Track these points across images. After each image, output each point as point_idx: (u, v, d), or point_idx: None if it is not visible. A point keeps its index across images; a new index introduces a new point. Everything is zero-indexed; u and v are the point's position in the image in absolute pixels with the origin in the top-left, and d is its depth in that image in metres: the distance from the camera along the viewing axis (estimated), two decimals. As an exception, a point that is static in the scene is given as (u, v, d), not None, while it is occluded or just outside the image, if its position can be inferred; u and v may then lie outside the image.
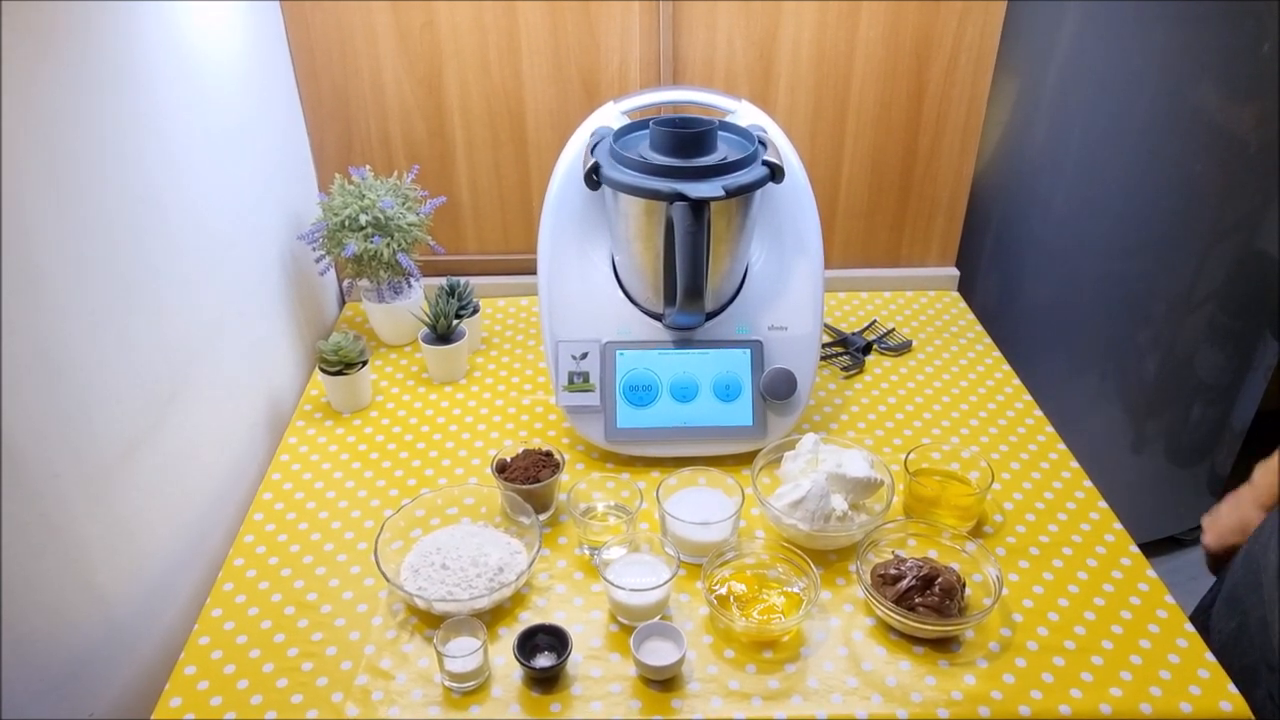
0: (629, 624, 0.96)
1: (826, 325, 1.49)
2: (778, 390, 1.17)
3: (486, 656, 0.91)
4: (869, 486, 1.07)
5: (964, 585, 0.97)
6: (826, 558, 1.05)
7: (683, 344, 1.18)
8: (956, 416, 1.30)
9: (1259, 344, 1.78)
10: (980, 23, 1.41)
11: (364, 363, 1.29)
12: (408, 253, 1.35)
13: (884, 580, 0.97)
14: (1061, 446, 1.24)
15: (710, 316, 1.18)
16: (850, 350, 1.43)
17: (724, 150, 1.10)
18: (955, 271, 1.64)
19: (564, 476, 1.13)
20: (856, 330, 1.49)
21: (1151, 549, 2.09)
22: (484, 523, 1.09)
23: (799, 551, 1.00)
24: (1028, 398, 1.34)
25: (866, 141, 1.51)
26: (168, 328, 1.01)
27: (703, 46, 1.41)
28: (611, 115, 1.20)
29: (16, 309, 0.76)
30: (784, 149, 1.16)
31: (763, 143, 1.12)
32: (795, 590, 0.99)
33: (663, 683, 0.91)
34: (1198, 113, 1.51)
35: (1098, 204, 1.60)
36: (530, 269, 1.24)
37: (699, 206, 1.02)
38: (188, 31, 1.06)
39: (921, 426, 1.28)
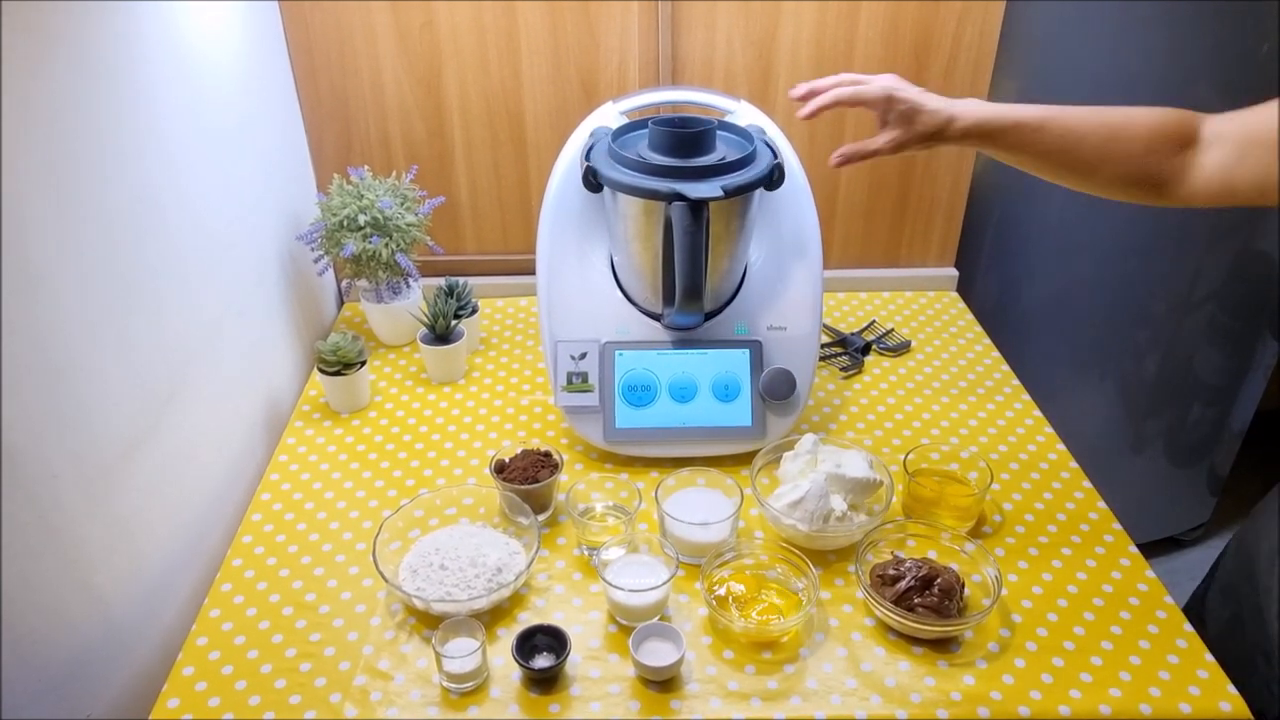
0: (628, 625, 0.96)
1: (825, 325, 1.49)
2: (777, 390, 1.16)
3: (485, 657, 0.91)
4: (868, 487, 1.07)
5: (963, 586, 0.97)
6: (825, 558, 1.05)
7: (682, 344, 1.18)
8: (955, 417, 1.30)
9: (1258, 344, 1.78)
10: (979, 23, 1.41)
11: (362, 363, 1.29)
12: (406, 253, 1.34)
13: (883, 581, 0.97)
14: (1060, 447, 1.24)
15: (709, 317, 1.18)
16: (849, 350, 1.43)
17: (723, 150, 1.10)
18: (954, 272, 1.64)
19: (563, 477, 1.13)
20: (855, 330, 1.49)
21: (1151, 549, 2.09)
22: (482, 523, 1.09)
23: (798, 552, 1.00)
24: (1026, 398, 1.34)
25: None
26: (166, 328, 1.01)
27: (702, 46, 1.41)
28: (610, 115, 1.20)
29: (15, 309, 0.75)
30: (783, 149, 1.16)
31: (768, 146, 1.12)
32: (794, 591, 0.99)
33: (662, 683, 0.91)
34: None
35: (1097, 204, 1.59)
36: (529, 269, 1.24)
37: (697, 206, 1.02)
38: (186, 31, 1.06)
39: (920, 427, 1.28)
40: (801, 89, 0.99)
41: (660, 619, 0.96)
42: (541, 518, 1.10)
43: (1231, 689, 0.90)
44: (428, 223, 1.39)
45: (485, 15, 1.37)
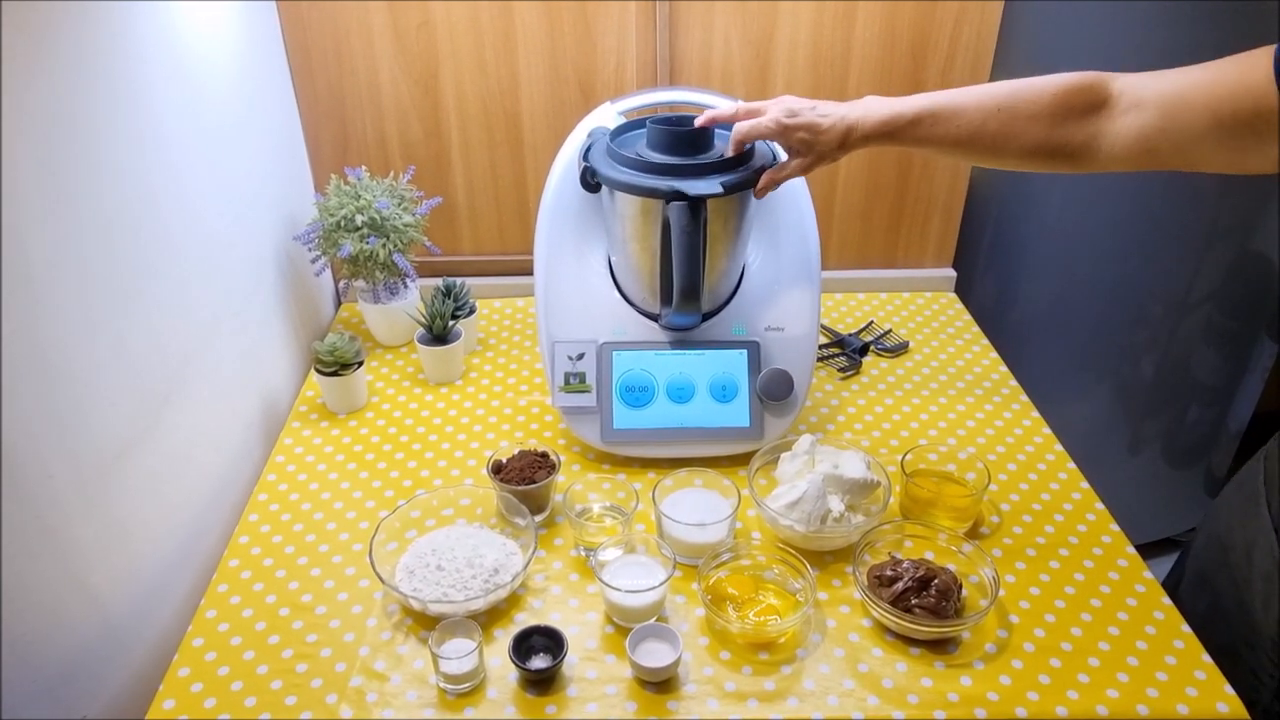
0: (625, 625, 0.96)
1: (823, 326, 1.49)
2: (774, 391, 1.16)
3: (481, 658, 0.91)
4: (865, 488, 1.06)
5: (960, 586, 0.97)
6: (823, 559, 1.05)
7: (679, 345, 1.18)
8: (953, 418, 1.30)
9: (1256, 345, 1.79)
10: (977, 23, 1.41)
11: (359, 364, 1.29)
12: (404, 253, 1.34)
13: (880, 581, 0.97)
14: (1058, 447, 1.23)
15: (707, 317, 1.18)
16: (847, 351, 1.43)
17: (720, 148, 1.10)
18: (952, 272, 1.64)
19: (560, 477, 1.13)
20: (853, 331, 1.49)
21: (1149, 550, 2.08)
22: (479, 524, 1.09)
23: (795, 553, 1.00)
24: (1024, 399, 1.34)
25: (863, 142, 1.50)
26: (163, 328, 1.00)
27: (699, 47, 1.41)
28: (608, 116, 1.20)
29: (10, 309, 0.75)
30: (780, 150, 1.15)
31: (766, 147, 1.12)
32: (792, 591, 0.99)
33: (658, 684, 0.91)
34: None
35: (1094, 205, 1.60)
36: (527, 269, 1.24)
37: (695, 206, 1.02)
38: (183, 31, 1.06)
39: (918, 428, 1.28)
40: (703, 119, 1.05)
41: (657, 620, 0.96)
42: (538, 518, 1.10)
43: (1229, 689, 0.90)
44: (425, 223, 1.39)
45: (482, 15, 1.37)
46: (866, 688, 0.90)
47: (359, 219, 1.30)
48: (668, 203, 1.03)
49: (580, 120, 1.21)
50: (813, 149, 0.98)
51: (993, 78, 1.46)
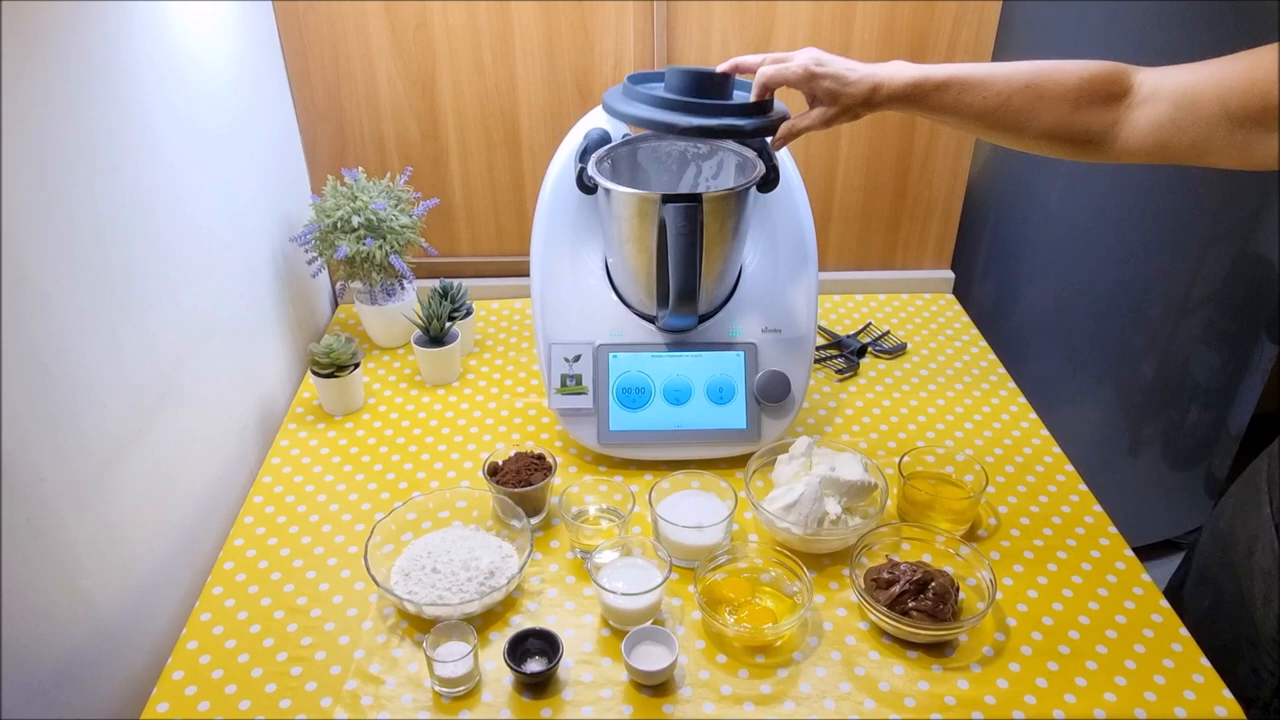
0: (621, 628, 0.95)
1: (821, 328, 1.49)
2: (771, 393, 1.16)
3: (476, 661, 0.90)
4: (863, 490, 1.06)
5: (958, 589, 0.97)
6: (820, 562, 1.05)
7: (676, 346, 1.17)
8: (951, 420, 1.30)
9: (1255, 347, 1.78)
10: (975, 23, 1.41)
11: (356, 365, 1.29)
12: (400, 255, 1.34)
13: (877, 584, 0.97)
14: (1056, 450, 1.23)
15: (704, 319, 1.18)
16: (845, 353, 1.43)
17: (741, 98, 1.06)
18: (950, 274, 1.64)
19: (556, 480, 1.12)
20: (851, 333, 1.49)
21: (1148, 552, 2.08)
22: (476, 526, 1.08)
23: (792, 555, 0.99)
24: (1023, 400, 1.33)
25: (861, 143, 1.50)
26: (157, 330, 1.00)
27: (697, 48, 1.41)
28: (605, 117, 1.19)
29: (2, 311, 0.75)
30: (779, 151, 1.15)
31: (765, 149, 1.12)
32: (788, 594, 0.98)
33: (654, 688, 0.90)
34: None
35: (1094, 206, 1.60)
36: (524, 271, 1.23)
37: (692, 207, 1.02)
38: (178, 33, 1.06)
39: (916, 430, 1.28)
40: (726, 65, 1.02)
41: (653, 623, 0.96)
42: (534, 521, 1.09)
43: (1227, 693, 0.89)
44: (422, 224, 1.39)
45: (479, 16, 1.37)
46: (863, 691, 0.90)
47: (355, 220, 1.30)
48: (664, 203, 1.03)
49: (577, 121, 1.21)
50: (838, 100, 0.95)
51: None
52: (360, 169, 1.38)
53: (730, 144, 1.16)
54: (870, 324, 1.52)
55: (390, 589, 0.97)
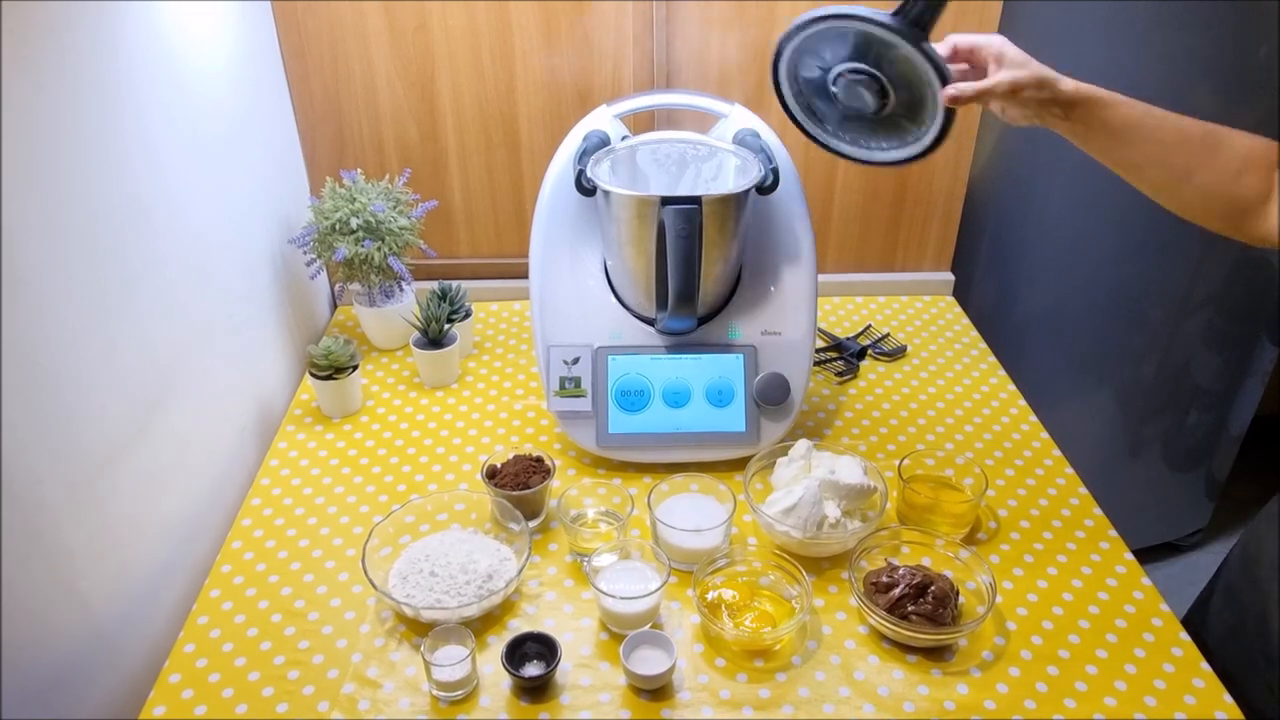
0: (619, 632, 0.95)
1: (821, 330, 1.48)
2: (771, 396, 1.16)
3: (474, 665, 0.90)
4: (862, 493, 1.06)
5: (957, 593, 0.96)
6: (819, 565, 1.04)
7: (675, 349, 1.17)
8: (951, 422, 1.29)
9: (1256, 348, 1.78)
10: (975, 24, 1.40)
11: (354, 367, 1.29)
12: (399, 257, 1.34)
13: (877, 588, 0.96)
14: (1056, 453, 1.23)
15: (703, 321, 1.18)
16: (844, 355, 1.42)
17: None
18: (950, 276, 1.64)
19: (555, 482, 1.12)
20: (851, 335, 1.48)
21: (1148, 554, 2.08)
22: (474, 529, 1.08)
23: (791, 559, 0.99)
24: (1022, 403, 1.33)
25: (861, 145, 1.50)
26: (154, 332, 1.00)
27: (696, 50, 1.41)
28: (604, 118, 1.19)
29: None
30: (778, 153, 1.15)
31: (763, 150, 1.11)
32: (787, 598, 0.98)
33: (653, 692, 0.90)
34: (1195, 116, 1.51)
35: (1094, 208, 1.60)
36: (523, 273, 1.23)
37: (691, 209, 1.02)
38: (176, 35, 1.06)
39: (915, 432, 1.27)
40: (952, 91, 0.89)
41: (652, 626, 0.95)
42: (533, 524, 1.09)
43: (1228, 698, 0.89)
44: (420, 226, 1.38)
45: (479, 18, 1.36)
46: (862, 695, 0.90)
47: (354, 222, 1.30)
48: (663, 206, 1.03)
49: (577, 123, 1.20)
50: (1033, 75, 0.87)
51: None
52: (359, 171, 1.37)
53: (730, 145, 1.16)
54: (870, 326, 1.51)
55: (388, 592, 0.97)
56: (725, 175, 1.18)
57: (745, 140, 1.16)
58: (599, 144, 1.15)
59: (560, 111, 1.45)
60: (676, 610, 0.99)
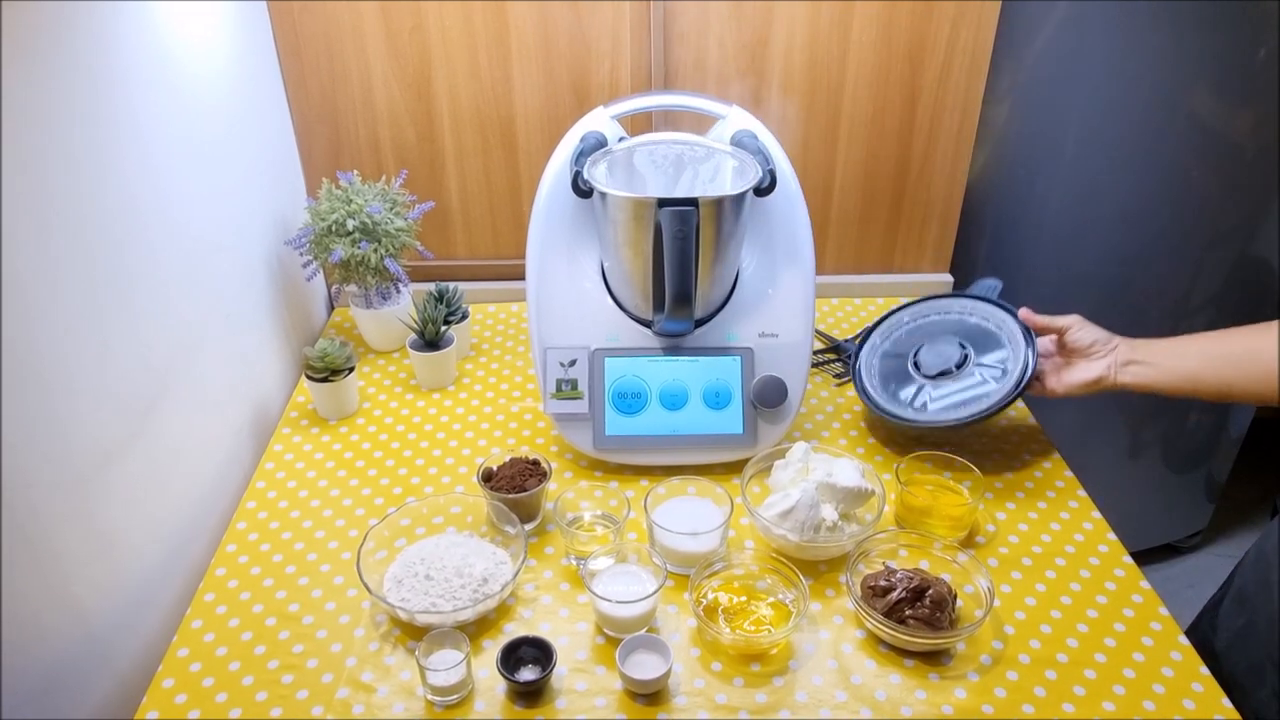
0: (615, 636, 0.94)
1: (818, 332, 1.48)
2: (768, 398, 1.15)
3: (469, 669, 0.90)
4: (860, 496, 1.05)
5: (955, 597, 0.96)
6: (816, 569, 1.04)
7: (672, 351, 1.17)
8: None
9: (1255, 350, 1.77)
10: (974, 26, 1.40)
11: (350, 369, 1.28)
12: (396, 258, 1.33)
13: (874, 592, 0.96)
14: (1055, 455, 1.22)
15: (700, 323, 1.17)
16: (842, 357, 1.42)
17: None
18: (949, 278, 1.63)
19: (551, 485, 1.12)
20: (849, 337, 1.48)
21: (1148, 556, 2.08)
22: (470, 532, 1.08)
23: (788, 562, 0.99)
24: (1021, 405, 1.32)
25: (859, 146, 1.49)
26: (148, 334, 0.99)
27: (694, 50, 1.40)
28: (601, 120, 1.19)
29: (-12, 317, 0.74)
30: (776, 154, 1.15)
31: (761, 152, 1.11)
32: (784, 602, 0.98)
33: (649, 696, 0.89)
34: (1194, 117, 1.50)
35: (1093, 209, 1.59)
36: (520, 275, 1.22)
37: (688, 212, 1.01)
38: (171, 36, 1.05)
39: (914, 435, 1.27)
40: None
41: (648, 630, 0.95)
42: (529, 527, 1.08)
43: (1226, 702, 0.89)
44: (417, 228, 1.38)
45: (475, 18, 1.36)
46: (859, 700, 0.89)
47: (350, 223, 1.29)
48: (660, 207, 1.02)
49: (574, 124, 1.20)
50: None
51: (990, 81, 1.44)
52: (355, 172, 1.37)
53: (727, 147, 1.16)
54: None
55: (383, 596, 0.97)
56: (723, 177, 1.18)
57: (743, 142, 1.15)
58: (596, 145, 1.15)
59: (557, 113, 1.44)
60: (673, 614, 0.99)
